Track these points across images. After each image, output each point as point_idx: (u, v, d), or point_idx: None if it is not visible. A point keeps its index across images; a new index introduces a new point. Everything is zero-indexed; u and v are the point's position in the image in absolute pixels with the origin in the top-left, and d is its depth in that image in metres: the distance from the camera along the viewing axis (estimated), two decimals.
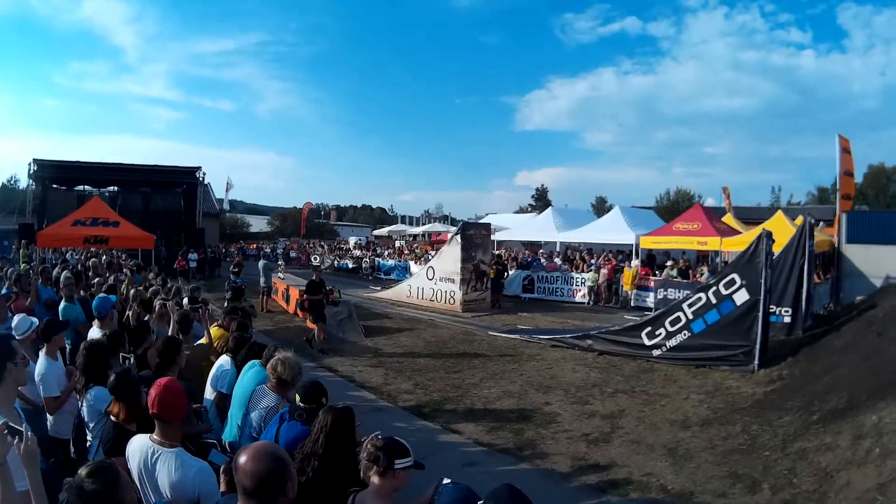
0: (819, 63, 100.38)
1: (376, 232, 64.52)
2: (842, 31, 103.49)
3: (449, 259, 19.98)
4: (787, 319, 13.22)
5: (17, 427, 2.55)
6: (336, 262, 36.30)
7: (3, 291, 8.59)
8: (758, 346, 10.76)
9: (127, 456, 3.12)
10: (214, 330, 6.67)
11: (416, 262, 28.45)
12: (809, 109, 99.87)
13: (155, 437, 3.07)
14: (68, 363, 5.38)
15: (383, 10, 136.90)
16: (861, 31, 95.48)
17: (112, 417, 3.55)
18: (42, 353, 4.87)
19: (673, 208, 50.66)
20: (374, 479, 2.92)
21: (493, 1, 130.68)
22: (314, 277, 14.64)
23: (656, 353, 11.84)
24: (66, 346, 6.52)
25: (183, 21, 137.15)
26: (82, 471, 2.22)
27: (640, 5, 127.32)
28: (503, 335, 14.76)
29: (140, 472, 3.03)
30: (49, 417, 4.64)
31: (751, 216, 28.84)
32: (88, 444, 3.97)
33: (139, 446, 3.08)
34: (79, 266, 14.42)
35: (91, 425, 3.98)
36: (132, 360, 5.25)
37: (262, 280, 19.01)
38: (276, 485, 2.13)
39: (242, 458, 2.13)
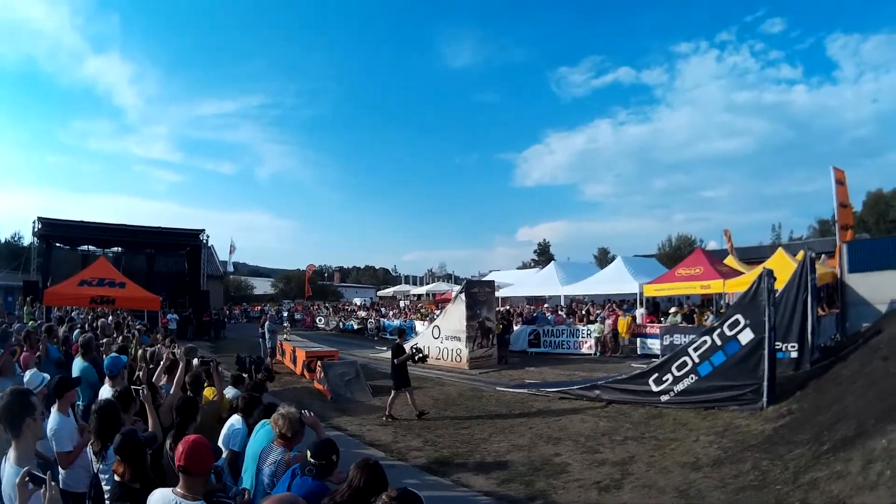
0: (811, 96, 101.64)
1: (380, 293, 64.74)
2: (832, 63, 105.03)
3: (454, 317, 20.05)
4: (794, 354, 13.15)
5: (40, 475, 2.64)
6: (341, 324, 36.29)
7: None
8: (765, 384, 10.70)
9: None
10: (208, 390, 6.74)
11: (421, 322, 28.46)
12: (804, 143, 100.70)
13: (179, 490, 3.12)
14: (80, 420, 5.39)
15: (382, 72, 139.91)
16: (850, 59, 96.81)
17: (116, 477, 3.57)
18: (54, 410, 4.91)
19: (675, 255, 50.72)
20: None
21: (488, 59, 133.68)
22: (398, 340, 14.17)
23: (664, 398, 11.77)
24: (80, 403, 6.56)
25: (184, 83, 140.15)
26: None
27: (633, 54, 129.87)
28: (511, 390, 14.68)
29: None
30: (61, 471, 4.65)
31: (753, 256, 28.88)
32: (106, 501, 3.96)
33: (160, 499, 3.14)
34: (85, 326, 14.47)
35: (109, 482, 3.96)
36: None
37: (267, 342, 19.03)
38: None
39: None
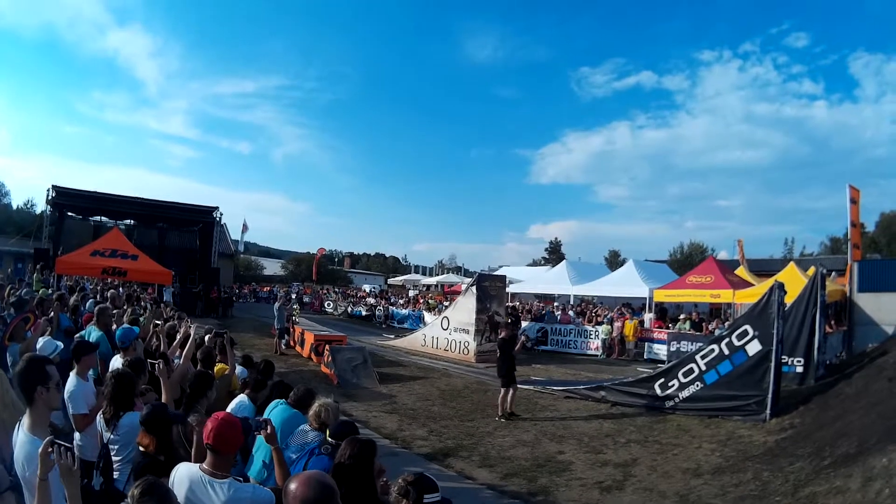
0: (831, 113, 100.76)
1: (391, 281, 64.77)
2: (853, 81, 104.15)
3: (464, 309, 20.20)
4: (800, 369, 13.23)
5: (65, 444, 2.55)
6: (350, 309, 36.48)
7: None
8: (770, 396, 10.81)
9: (172, 483, 3.11)
10: (219, 366, 6.88)
11: (429, 312, 28.65)
12: (821, 160, 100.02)
13: (206, 466, 3.09)
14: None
15: (403, 61, 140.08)
16: (872, 79, 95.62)
17: (141, 448, 3.66)
18: (73, 374, 4.98)
19: (686, 262, 50.53)
20: None
21: (510, 56, 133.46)
22: (503, 335, 13.04)
23: (669, 403, 11.91)
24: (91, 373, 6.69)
25: (205, 60, 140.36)
26: (135, 490, 2.39)
27: (656, 59, 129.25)
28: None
29: (187, 499, 3.03)
30: (76, 437, 4.70)
31: (763, 268, 28.81)
32: (115, 471, 4.05)
33: (186, 474, 3.11)
34: (96, 296, 14.62)
35: (119, 452, 4.08)
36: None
37: (276, 322, 19.28)
38: None
39: (294, 486, 2.20)
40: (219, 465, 3.10)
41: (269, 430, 3.80)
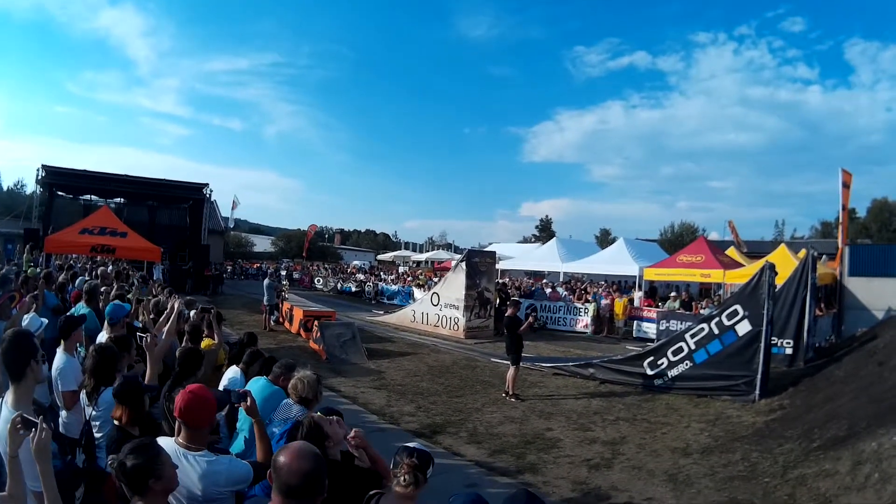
0: (825, 98, 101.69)
1: (380, 257, 64.89)
2: (849, 67, 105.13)
3: (454, 286, 20.11)
4: (789, 351, 13.28)
5: (32, 419, 2.55)
6: (339, 285, 36.40)
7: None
8: (759, 377, 10.81)
9: None
10: (206, 341, 6.77)
11: (419, 289, 28.56)
12: (815, 145, 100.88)
13: (180, 440, 3.08)
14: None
15: (396, 39, 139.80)
16: (868, 66, 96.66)
17: (115, 421, 3.57)
18: (60, 350, 4.94)
19: (677, 241, 50.80)
20: (408, 491, 2.99)
21: (504, 34, 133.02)
22: (510, 313, 12.69)
23: (658, 382, 11.90)
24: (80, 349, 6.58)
25: (197, 38, 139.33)
26: (125, 448, 2.35)
27: (650, 40, 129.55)
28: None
29: None
30: (63, 414, 4.68)
31: (754, 250, 28.94)
32: (98, 447, 3.98)
33: (164, 448, 3.06)
34: (85, 274, 14.47)
35: (101, 429, 4.01)
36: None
37: (265, 298, 19.15)
38: (320, 483, 2.20)
39: (285, 458, 2.18)
40: (192, 438, 3.09)
41: (248, 402, 3.71)
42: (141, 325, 7.58)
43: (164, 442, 3.09)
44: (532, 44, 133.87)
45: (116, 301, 7.35)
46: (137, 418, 3.55)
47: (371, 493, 3.07)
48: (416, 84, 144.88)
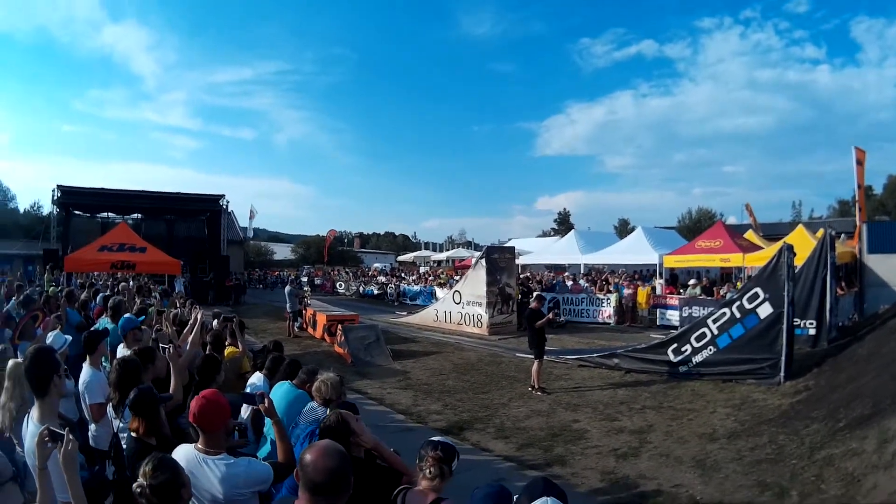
0: (834, 77, 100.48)
1: (400, 258, 64.89)
2: (856, 45, 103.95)
3: (475, 283, 20.25)
4: (812, 332, 13.22)
5: (58, 431, 2.63)
6: (361, 289, 36.60)
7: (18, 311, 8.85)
8: (783, 359, 10.82)
9: None
10: (229, 349, 6.95)
11: (440, 288, 28.71)
12: (826, 124, 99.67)
13: (199, 445, 3.17)
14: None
15: (399, 40, 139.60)
16: (874, 43, 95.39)
17: (132, 433, 3.66)
18: (86, 364, 5.07)
19: (695, 227, 50.34)
20: (434, 483, 3.06)
21: (507, 30, 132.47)
22: (533, 306, 12.56)
23: (683, 369, 11.94)
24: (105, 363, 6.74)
25: (201, 49, 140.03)
26: (146, 467, 2.43)
27: (656, 28, 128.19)
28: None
29: None
30: (92, 427, 4.78)
31: (771, 232, 28.72)
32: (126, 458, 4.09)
33: (184, 454, 3.16)
34: (107, 291, 14.74)
35: (127, 439, 4.01)
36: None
37: (288, 305, 19.41)
38: (346, 480, 2.25)
39: (311, 456, 2.24)
40: (209, 442, 3.16)
41: (266, 404, 3.81)
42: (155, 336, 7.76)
43: (184, 449, 3.23)
44: (536, 39, 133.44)
45: (128, 315, 7.50)
46: (153, 428, 3.63)
47: (399, 488, 3.15)
48: (420, 84, 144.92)
